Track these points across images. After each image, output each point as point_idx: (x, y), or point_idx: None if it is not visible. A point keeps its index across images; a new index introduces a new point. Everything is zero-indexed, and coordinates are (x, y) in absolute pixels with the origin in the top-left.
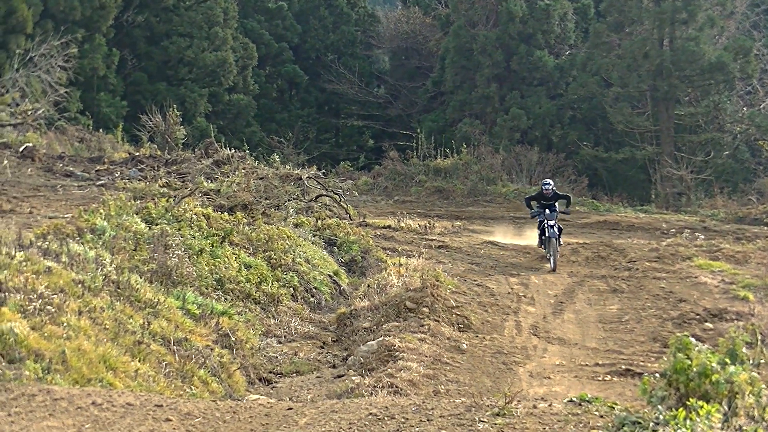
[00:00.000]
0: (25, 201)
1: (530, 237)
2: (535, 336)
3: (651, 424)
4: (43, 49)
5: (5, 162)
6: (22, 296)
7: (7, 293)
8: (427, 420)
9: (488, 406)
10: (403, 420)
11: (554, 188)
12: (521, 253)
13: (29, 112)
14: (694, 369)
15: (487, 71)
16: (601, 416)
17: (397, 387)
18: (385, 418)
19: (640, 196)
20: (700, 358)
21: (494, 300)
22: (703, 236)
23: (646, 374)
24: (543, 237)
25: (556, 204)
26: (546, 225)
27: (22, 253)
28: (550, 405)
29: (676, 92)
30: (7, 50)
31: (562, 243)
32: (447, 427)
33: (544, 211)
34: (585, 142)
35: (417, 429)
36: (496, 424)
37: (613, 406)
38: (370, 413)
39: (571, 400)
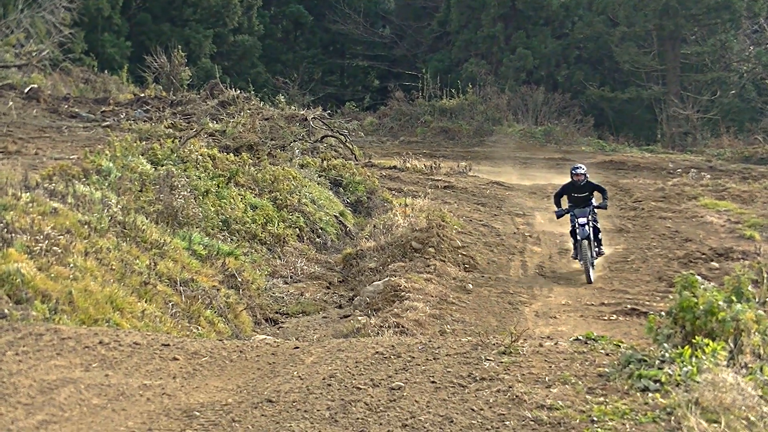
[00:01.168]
0: (31, 142)
1: (537, 177)
2: (541, 275)
3: (657, 361)
4: None
5: (10, 103)
6: (29, 237)
7: (13, 234)
8: (434, 358)
9: (494, 344)
10: (409, 358)
11: (587, 174)
12: (527, 194)
13: (34, 53)
14: (701, 307)
15: (492, 11)
16: (607, 354)
17: (403, 327)
18: (392, 357)
19: (646, 136)
20: (706, 296)
21: (500, 240)
22: (709, 176)
23: (651, 313)
24: (576, 242)
25: (592, 197)
26: (577, 224)
27: (28, 194)
28: (556, 343)
29: (682, 31)
30: None
31: (603, 250)
32: (453, 365)
33: (574, 209)
34: (591, 82)
35: (423, 367)
36: (502, 362)
37: (619, 344)
38: (377, 352)
39: (577, 339)
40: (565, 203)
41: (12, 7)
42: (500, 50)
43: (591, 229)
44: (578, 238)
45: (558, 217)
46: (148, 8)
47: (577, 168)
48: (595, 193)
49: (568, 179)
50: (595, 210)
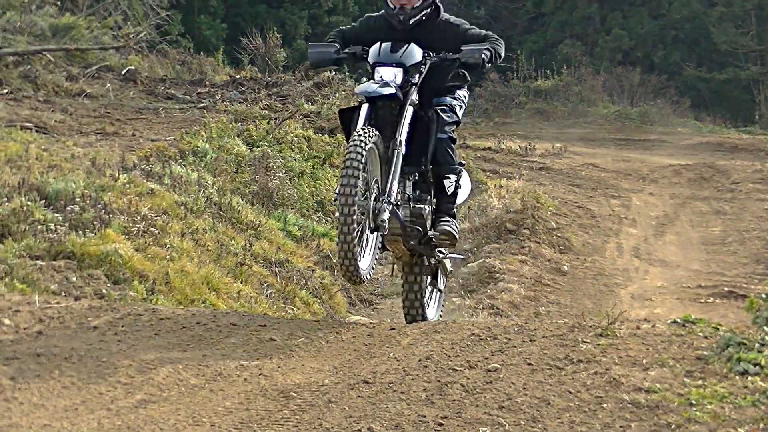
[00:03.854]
0: (128, 124)
1: (632, 159)
2: (637, 258)
3: (756, 344)
4: None
5: (108, 85)
6: (126, 218)
7: (111, 215)
8: (530, 340)
9: (591, 326)
10: (505, 340)
11: None
12: (622, 175)
13: (131, 36)
14: None
15: None
16: (705, 337)
17: (498, 308)
18: (488, 339)
19: (744, 117)
20: None
21: (595, 222)
22: None
23: (750, 295)
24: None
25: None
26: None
27: (125, 175)
28: (653, 326)
29: None
30: None
31: (459, 193)
32: (550, 348)
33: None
34: (687, 63)
35: (520, 349)
36: (599, 344)
37: (718, 327)
38: (473, 333)
39: (674, 321)
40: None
41: None
42: (595, 31)
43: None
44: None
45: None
46: None
47: None
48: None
49: (666, 161)
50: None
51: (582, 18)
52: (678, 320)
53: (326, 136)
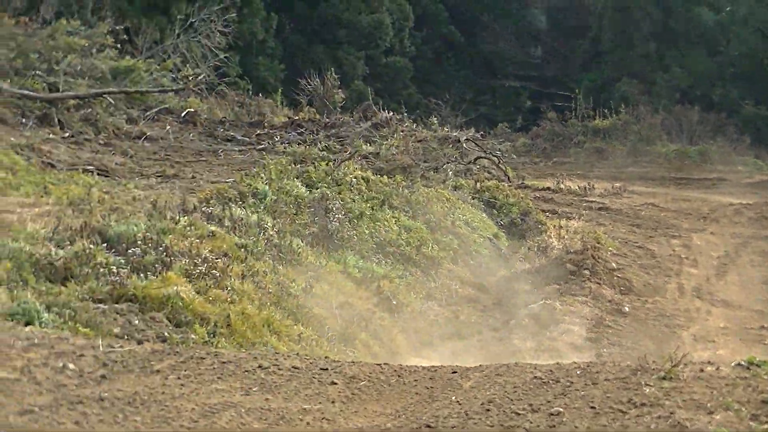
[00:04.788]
0: (188, 166)
1: (692, 198)
2: (698, 298)
3: None
4: (203, 14)
5: (168, 127)
6: (187, 260)
7: (172, 257)
8: (593, 383)
9: (654, 369)
10: (568, 383)
11: None
12: (682, 215)
13: (190, 78)
14: None
15: (645, 29)
16: None
17: (559, 350)
18: (550, 382)
19: None
20: None
21: (656, 262)
22: None
23: None
24: None
25: None
26: None
27: (186, 217)
28: (717, 368)
29: None
30: (168, 16)
31: None
32: (613, 391)
33: None
34: (746, 100)
35: (582, 392)
36: (662, 387)
37: None
38: (535, 376)
39: (738, 364)
40: None
41: (169, 32)
42: (653, 69)
43: None
44: None
45: None
46: (302, 31)
47: None
48: None
49: (727, 200)
50: None
51: (639, 56)
52: (742, 362)
53: (385, 177)
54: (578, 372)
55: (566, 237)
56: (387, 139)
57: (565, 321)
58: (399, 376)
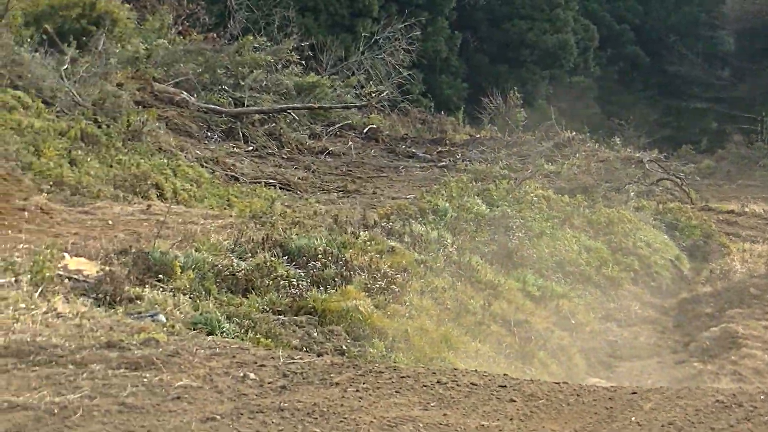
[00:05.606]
0: (369, 181)
1: None
2: None
3: None
4: (387, 32)
5: (350, 143)
6: (367, 275)
7: (352, 272)
8: None
9: None
10: (751, 408)
11: None
12: None
13: (373, 94)
14: None
15: None
16: None
17: (741, 374)
18: (733, 406)
19: None
20: None
21: None
22: None
23: None
24: None
25: None
26: None
27: (366, 232)
28: None
29: None
30: (353, 33)
31: None
32: None
33: None
34: None
35: (766, 418)
36: None
37: None
38: (717, 400)
39: None
40: None
41: (354, 49)
42: None
43: None
44: None
45: None
46: (485, 50)
47: None
48: None
49: None
50: None
51: None
52: None
53: (566, 196)
54: (762, 397)
55: (750, 261)
56: (569, 159)
57: (747, 345)
58: (577, 395)
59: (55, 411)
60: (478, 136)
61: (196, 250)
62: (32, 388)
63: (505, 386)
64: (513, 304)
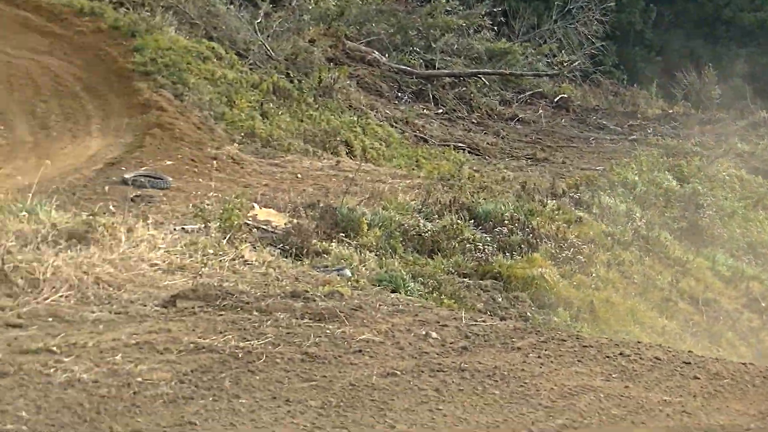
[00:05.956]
0: (559, 151)
1: None
2: None
3: None
4: (581, 1)
5: (540, 111)
6: (553, 244)
7: (538, 240)
8: None
9: None
10: None
11: None
12: None
13: (565, 64)
14: None
15: None
16: None
17: None
18: None
19: None
20: None
21: None
22: None
23: None
24: None
25: None
26: None
27: (554, 201)
28: None
29: None
30: (546, 2)
31: None
32: None
33: None
34: None
35: None
36: None
37: None
38: None
39: None
40: None
41: (546, 18)
42: None
43: None
44: None
45: None
46: (680, 24)
47: None
48: None
49: None
50: None
51: None
52: None
53: (759, 177)
54: None
55: None
56: (763, 139)
57: None
58: (764, 377)
59: (240, 355)
60: (671, 111)
61: (383, 209)
62: (218, 332)
63: (690, 363)
64: (702, 283)
